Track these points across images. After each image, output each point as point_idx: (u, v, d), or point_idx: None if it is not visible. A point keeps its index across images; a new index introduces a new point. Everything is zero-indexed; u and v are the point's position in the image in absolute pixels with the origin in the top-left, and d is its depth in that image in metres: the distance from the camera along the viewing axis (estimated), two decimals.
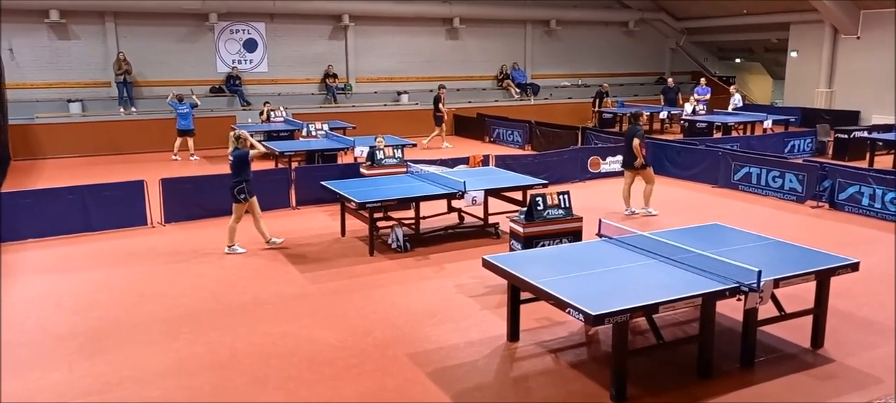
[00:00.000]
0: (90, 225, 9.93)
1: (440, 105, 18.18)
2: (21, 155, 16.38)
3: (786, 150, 15.85)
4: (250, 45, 20.64)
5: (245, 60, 20.62)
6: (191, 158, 16.25)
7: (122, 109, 18.49)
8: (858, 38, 20.87)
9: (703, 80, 21.86)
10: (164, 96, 19.30)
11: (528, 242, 7.01)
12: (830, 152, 15.98)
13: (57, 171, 14.81)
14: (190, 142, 16.39)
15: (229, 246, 8.88)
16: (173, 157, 16.17)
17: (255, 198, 8.91)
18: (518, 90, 23.65)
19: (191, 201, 10.60)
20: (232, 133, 8.98)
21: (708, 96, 20.62)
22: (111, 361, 5.83)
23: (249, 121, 17.94)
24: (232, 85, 19.90)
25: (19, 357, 5.92)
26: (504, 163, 12.45)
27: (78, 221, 9.88)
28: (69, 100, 18.16)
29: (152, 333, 6.43)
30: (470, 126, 20.45)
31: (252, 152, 8.90)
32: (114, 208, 10.10)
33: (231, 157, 8.75)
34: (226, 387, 5.39)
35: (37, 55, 18.22)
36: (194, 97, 16.98)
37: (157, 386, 5.40)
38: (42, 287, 7.71)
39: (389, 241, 9.13)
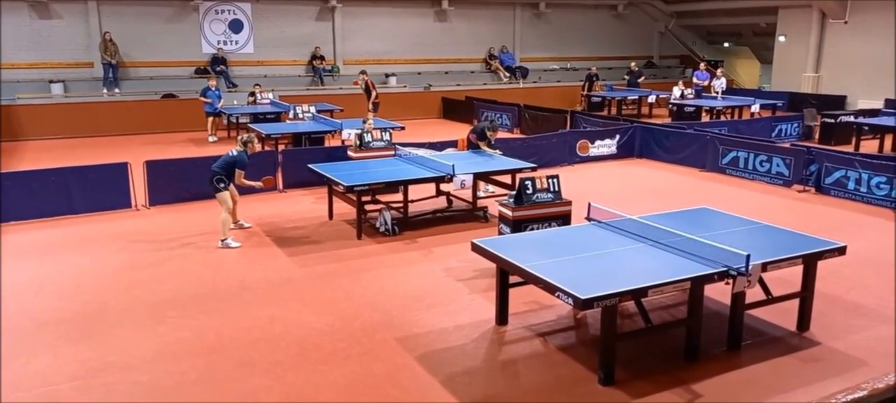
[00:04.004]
0: (73, 208, 9.80)
1: None
2: (2, 136, 16.10)
3: (773, 135, 15.92)
4: (236, 26, 20.37)
5: (231, 41, 20.35)
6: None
7: (105, 90, 18.23)
8: (846, 22, 20.93)
9: (702, 65, 21.96)
10: (149, 77, 19.14)
11: (517, 226, 7.00)
12: (817, 137, 16.06)
13: (39, 153, 14.60)
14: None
15: (221, 240, 8.46)
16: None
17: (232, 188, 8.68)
18: (507, 73, 23.56)
19: (176, 184, 10.47)
20: (242, 136, 8.78)
21: (707, 82, 20.73)
22: (96, 346, 5.76)
23: (235, 103, 17.75)
24: (217, 68, 19.62)
25: (2, 343, 5.83)
26: None
27: (61, 204, 9.73)
28: (51, 81, 17.88)
29: (138, 318, 6.36)
30: (459, 109, 20.36)
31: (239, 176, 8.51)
32: (97, 191, 9.96)
33: (232, 153, 8.54)
34: (213, 372, 5.35)
35: (17, 35, 17.87)
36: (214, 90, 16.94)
37: (144, 371, 5.35)
38: (24, 271, 7.60)
39: (377, 225, 9.08)
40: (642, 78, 22.89)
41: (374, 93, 16.66)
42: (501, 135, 16.30)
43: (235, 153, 8.58)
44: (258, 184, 8.83)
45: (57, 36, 18.32)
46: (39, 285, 7.17)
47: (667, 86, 21.91)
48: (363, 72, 17.18)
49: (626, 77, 22.78)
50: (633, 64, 23.21)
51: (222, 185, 8.49)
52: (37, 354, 5.64)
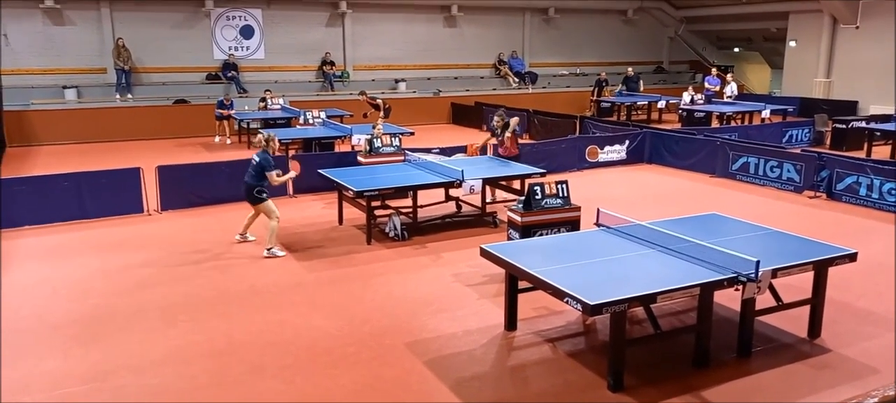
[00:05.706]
0: (86, 213, 9.89)
1: None
2: (16, 141, 16.29)
3: (784, 140, 15.82)
4: (247, 32, 20.51)
5: (242, 47, 20.49)
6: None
7: (118, 96, 18.40)
8: (857, 27, 20.82)
9: (714, 71, 21.89)
10: (161, 83, 19.30)
11: (526, 231, 6.99)
12: (828, 142, 15.97)
13: (52, 158, 14.74)
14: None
15: (268, 249, 8.28)
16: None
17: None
18: (516, 79, 23.56)
19: (187, 188, 10.55)
20: (261, 135, 8.63)
21: (718, 87, 20.65)
22: (107, 349, 5.81)
23: (246, 108, 17.87)
24: (227, 74, 19.75)
25: (14, 345, 5.90)
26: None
27: (74, 208, 9.83)
28: (64, 87, 18.06)
29: (149, 321, 6.41)
30: (468, 114, 20.39)
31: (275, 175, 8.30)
32: (110, 195, 10.05)
33: (256, 159, 8.30)
34: (223, 375, 5.38)
35: (31, 41, 18.09)
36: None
37: (154, 374, 5.39)
38: (37, 274, 7.68)
39: (387, 230, 9.11)
40: (640, 82, 22.27)
41: (380, 102, 16.80)
42: None
43: (259, 158, 8.32)
44: (291, 174, 8.72)
45: (70, 42, 18.52)
46: (52, 288, 7.24)
47: (677, 92, 21.86)
48: (362, 93, 17.40)
49: (622, 86, 22.09)
50: (629, 69, 22.84)
51: (264, 195, 8.33)
52: (48, 356, 5.69)
